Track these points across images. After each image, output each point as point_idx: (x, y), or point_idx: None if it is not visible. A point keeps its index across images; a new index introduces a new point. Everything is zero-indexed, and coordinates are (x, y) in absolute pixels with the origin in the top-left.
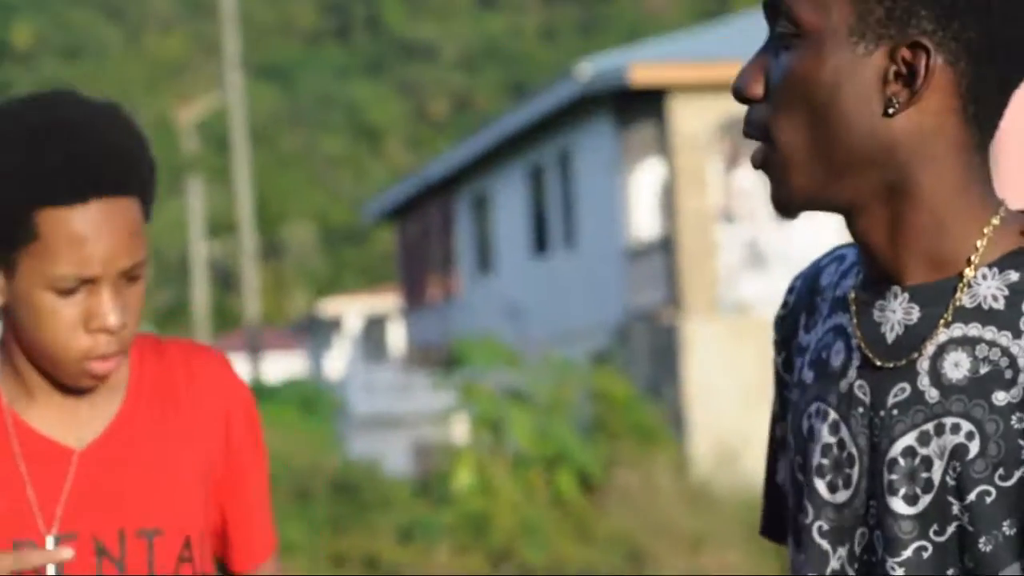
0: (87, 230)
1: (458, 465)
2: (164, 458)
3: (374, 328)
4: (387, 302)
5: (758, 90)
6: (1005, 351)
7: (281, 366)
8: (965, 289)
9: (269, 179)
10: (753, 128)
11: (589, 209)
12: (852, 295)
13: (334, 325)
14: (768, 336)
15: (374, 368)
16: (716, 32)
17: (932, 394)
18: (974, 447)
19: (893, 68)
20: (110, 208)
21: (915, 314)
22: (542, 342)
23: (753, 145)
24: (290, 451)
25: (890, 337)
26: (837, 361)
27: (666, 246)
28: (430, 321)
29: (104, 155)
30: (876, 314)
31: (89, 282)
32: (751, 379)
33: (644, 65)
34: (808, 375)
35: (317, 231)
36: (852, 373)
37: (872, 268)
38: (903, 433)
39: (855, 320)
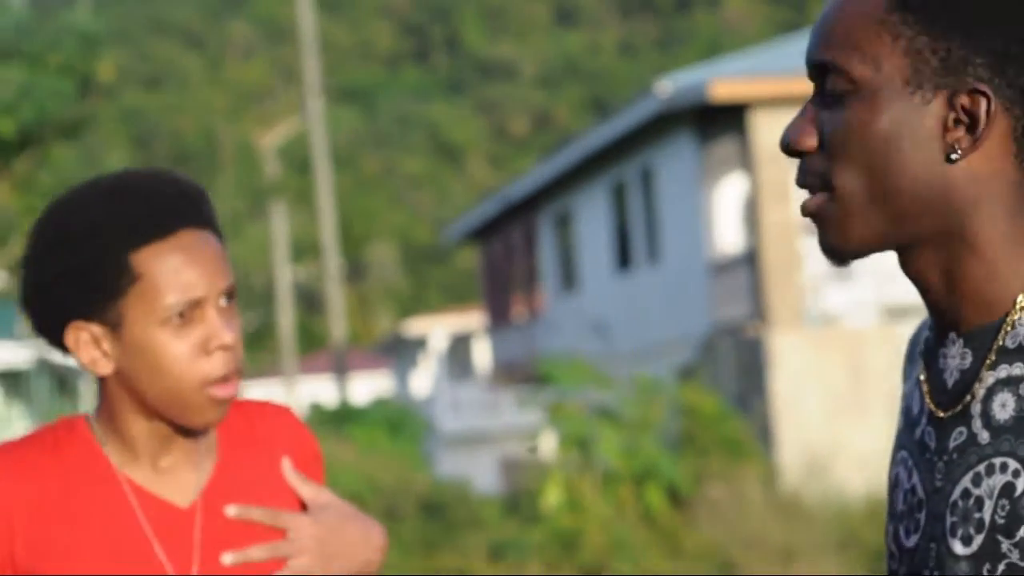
0: (182, 258)
1: (547, 483)
2: (266, 503)
3: (459, 347)
4: (472, 320)
5: (811, 143)
6: None
7: (367, 386)
8: (1008, 331)
9: (351, 201)
10: (810, 178)
11: (672, 224)
12: (922, 346)
13: (419, 344)
14: (854, 346)
15: (460, 386)
16: (795, 45)
17: (984, 436)
18: (1021, 484)
19: (952, 115)
20: (196, 236)
21: (968, 359)
22: (628, 358)
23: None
24: (379, 471)
25: (950, 383)
26: (916, 409)
27: (750, 259)
28: (515, 339)
29: (178, 193)
30: (940, 361)
31: (196, 308)
32: (838, 390)
33: (724, 81)
34: (900, 423)
35: (400, 251)
36: (924, 420)
37: (933, 314)
38: (961, 476)
39: (925, 370)
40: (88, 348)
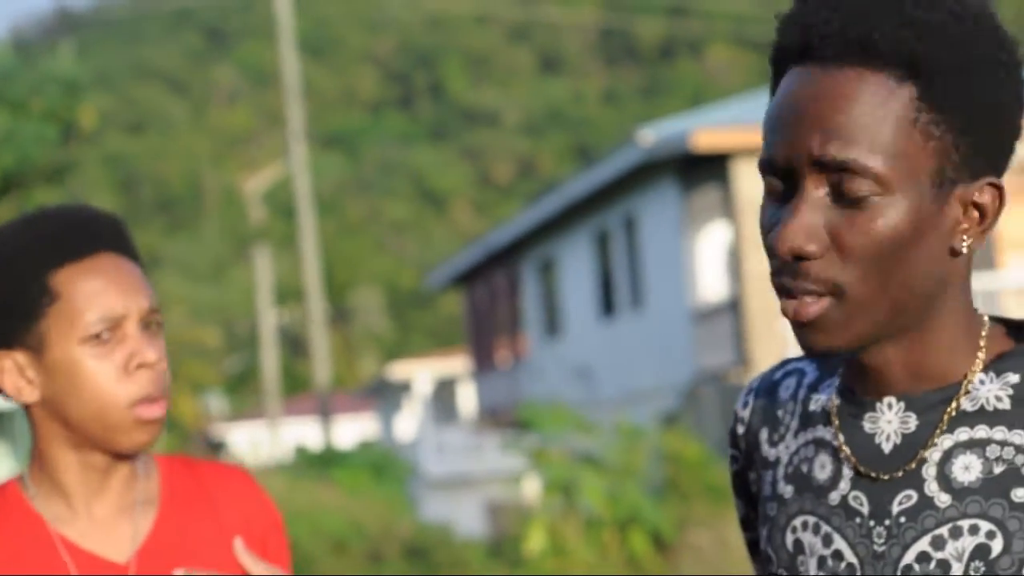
0: (102, 278)
1: (531, 528)
2: (207, 564)
3: (444, 391)
4: (456, 365)
5: (818, 249)
6: (1020, 449)
7: (352, 429)
8: (964, 394)
9: (336, 246)
10: (815, 285)
11: (655, 272)
12: (834, 409)
13: (404, 388)
14: None
15: (445, 430)
16: None
17: (943, 499)
18: (997, 545)
19: (968, 208)
20: (114, 260)
21: (912, 422)
22: (611, 404)
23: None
24: (363, 515)
25: (887, 447)
26: (823, 474)
27: (733, 307)
28: (500, 383)
29: (94, 219)
30: (867, 426)
31: (117, 327)
32: None
33: (706, 130)
34: (786, 489)
35: (384, 296)
36: (844, 485)
37: (862, 382)
38: (915, 539)
39: (840, 434)
40: (12, 376)
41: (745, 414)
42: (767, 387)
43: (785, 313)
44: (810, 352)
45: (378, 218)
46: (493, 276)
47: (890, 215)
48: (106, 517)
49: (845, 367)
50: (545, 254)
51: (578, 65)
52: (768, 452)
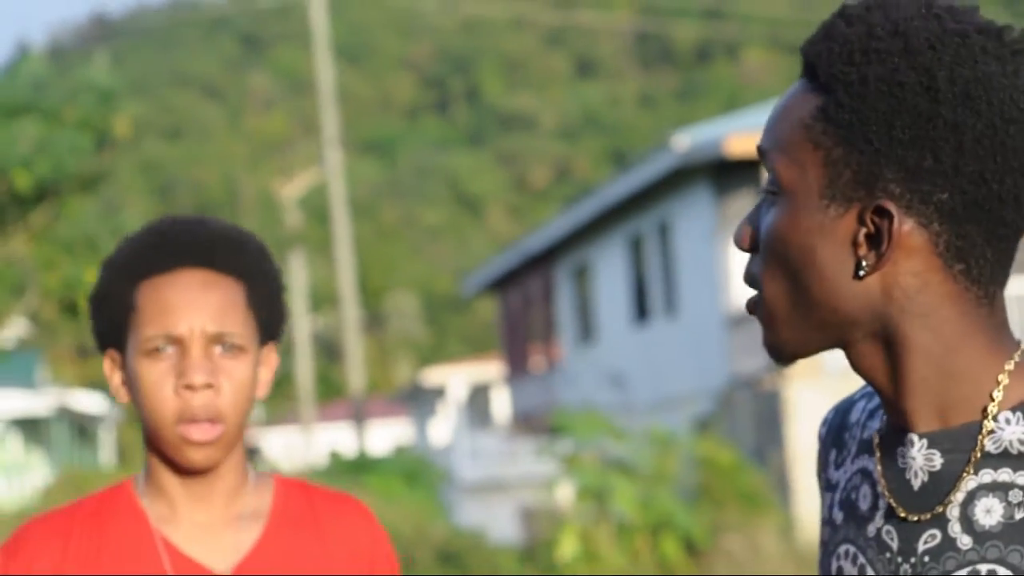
0: (174, 294)
1: (563, 534)
2: None
3: (478, 396)
4: (491, 370)
5: (747, 243)
6: None
7: (386, 434)
8: (987, 434)
9: (371, 251)
10: (747, 278)
11: (689, 277)
12: (876, 439)
13: (438, 393)
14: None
15: (479, 435)
16: None
17: (964, 541)
18: None
19: (863, 231)
20: (200, 278)
21: (937, 461)
22: (645, 409)
23: None
24: (396, 520)
25: (915, 484)
26: (865, 505)
27: None
28: (534, 389)
29: (195, 234)
30: (900, 460)
31: (177, 344)
32: None
33: (740, 136)
34: (838, 515)
35: (420, 301)
36: (879, 518)
37: (888, 411)
38: None
39: (879, 466)
40: (115, 375)
41: (823, 432)
42: (845, 407)
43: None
44: (766, 350)
45: (413, 223)
46: (527, 281)
47: (784, 216)
48: (209, 524)
49: (877, 394)
50: (579, 259)
51: (614, 69)
52: (832, 475)
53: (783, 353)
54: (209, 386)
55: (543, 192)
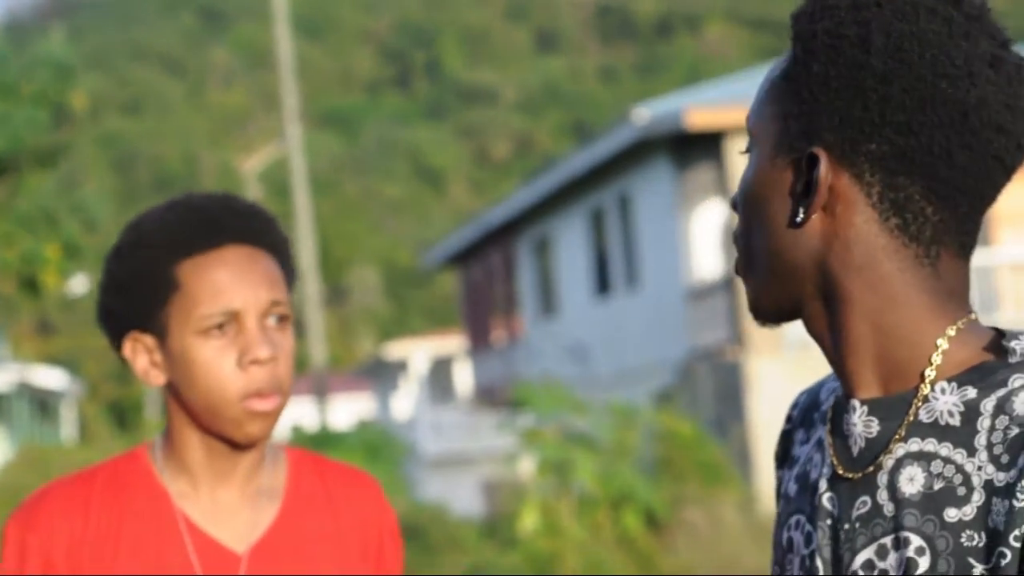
0: (224, 271)
1: (524, 507)
2: (322, 564)
3: (440, 370)
4: (453, 344)
5: (734, 205)
6: (959, 468)
7: (349, 409)
8: (922, 403)
9: (333, 226)
10: (733, 239)
11: (650, 250)
12: (830, 407)
13: (400, 367)
14: (830, 371)
15: (441, 409)
16: None
17: (889, 508)
18: (924, 562)
19: (800, 181)
20: (244, 253)
21: (874, 427)
22: (606, 382)
23: None
24: None
25: (855, 450)
26: (815, 474)
27: (728, 285)
28: (495, 362)
29: (233, 210)
30: (844, 427)
31: (234, 321)
32: None
33: (700, 109)
34: (793, 488)
35: (381, 275)
36: (823, 484)
37: (837, 377)
38: (864, 546)
39: (829, 435)
40: (141, 358)
41: (793, 414)
42: (815, 389)
43: None
44: (750, 310)
45: (375, 197)
46: (489, 255)
47: (750, 171)
48: (229, 502)
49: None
50: (540, 233)
51: (575, 42)
52: (795, 452)
53: (757, 311)
54: (274, 358)
55: (504, 165)
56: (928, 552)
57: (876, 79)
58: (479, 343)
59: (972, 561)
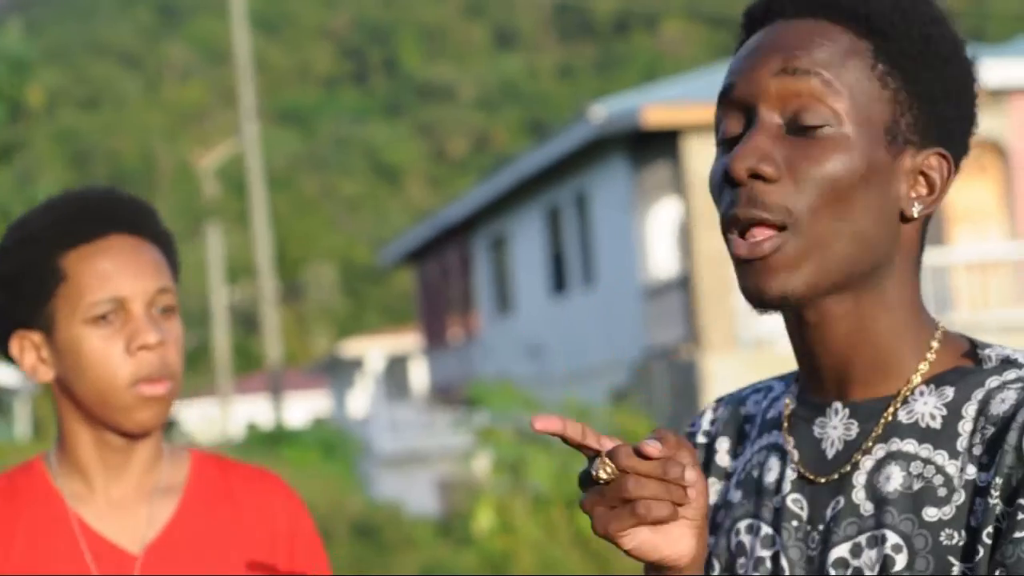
0: (110, 260)
1: (479, 506)
2: (222, 562)
3: (396, 367)
4: (409, 341)
5: (777, 172)
6: (940, 470)
7: (304, 406)
8: (901, 405)
9: (289, 222)
10: (770, 212)
11: (606, 248)
12: (787, 412)
13: (356, 365)
14: (786, 369)
15: (397, 407)
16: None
17: (867, 507)
18: (901, 560)
19: (918, 173)
20: (129, 243)
21: (854, 430)
22: (562, 380)
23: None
24: (311, 494)
25: (830, 452)
26: (770, 477)
27: (683, 284)
28: (451, 360)
29: (117, 201)
30: (816, 431)
31: (122, 309)
32: None
33: (656, 107)
34: (735, 494)
35: (338, 272)
36: (786, 487)
37: (814, 383)
38: (836, 545)
39: (789, 438)
40: (29, 355)
41: (704, 423)
42: (734, 401)
43: (737, 253)
44: (761, 299)
45: (332, 194)
46: (445, 252)
47: (843, 150)
48: (123, 500)
49: (803, 371)
50: (497, 231)
51: (533, 40)
52: (728, 464)
53: (790, 296)
54: (162, 343)
55: (461, 163)
56: (905, 550)
57: (973, 91)
58: (435, 341)
59: (952, 560)
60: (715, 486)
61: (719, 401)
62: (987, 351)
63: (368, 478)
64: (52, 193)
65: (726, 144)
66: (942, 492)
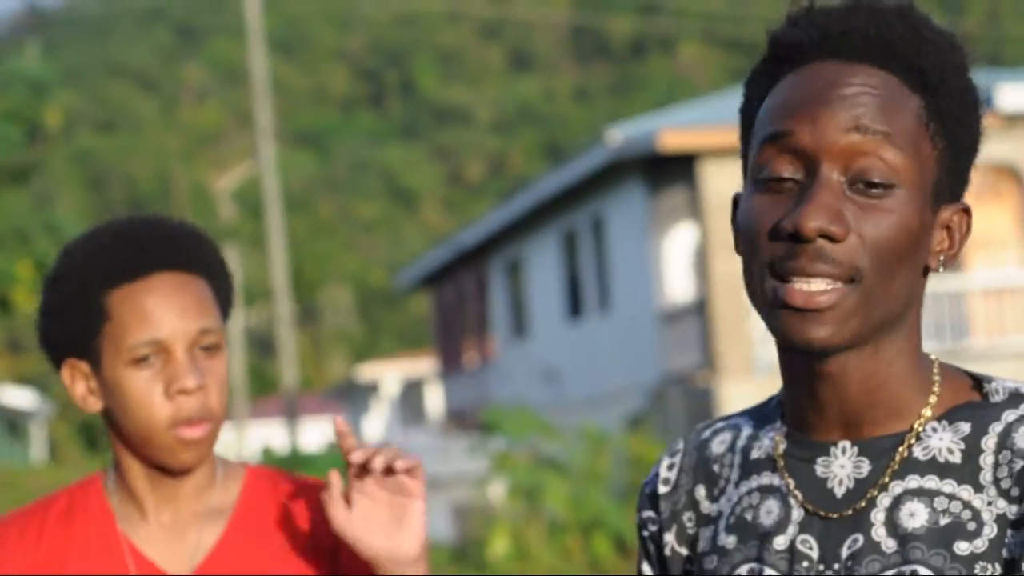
0: (152, 300)
1: (495, 532)
2: None
3: (412, 392)
4: (424, 366)
5: (845, 232)
6: (967, 504)
7: (319, 431)
8: (915, 441)
9: (305, 245)
10: (837, 268)
11: (622, 273)
12: (779, 451)
13: (372, 389)
14: None
15: (412, 432)
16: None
17: (889, 544)
18: None
19: (944, 228)
20: (173, 280)
21: (865, 468)
22: (578, 405)
23: None
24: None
25: (839, 491)
26: (769, 520)
27: (700, 309)
28: (467, 385)
29: (158, 236)
30: (819, 470)
31: (164, 352)
32: None
33: (673, 131)
34: (728, 540)
35: (354, 296)
36: (792, 529)
37: (814, 424)
38: None
39: (789, 479)
40: (79, 385)
41: (670, 475)
42: (696, 445)
43: (790, 300)
44: (806, 345)
45: (348, 217)
46: (461, 277)
47: (903, 211)
48: (174, 524)
49: (788, 411)
50: (513, 255)
51: (549, 63)
52: (709, 508)
53: (841, 346)
54: (201, 388)
55: (478, 186)
56: None
57: (976, 143)
58: (451, 365)
59: None
60: (702, 534)
61: (675, 452)
62: (993, 384)
63: None
64: (69, 217)
65: (768, 183)
66: (971, 526)
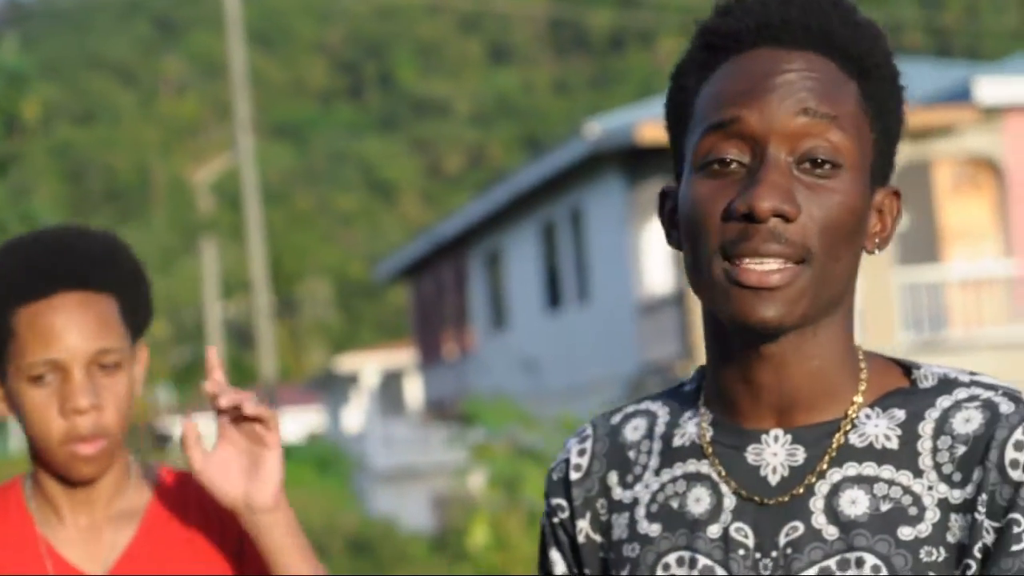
0: (52, 319)
1: (474, 522)
2: None
3: (391, 383)
4: (404, 357)
5: (797, 211)
6: (907, 490)
7: (299, 422)
8: (850, 428)
9: (284, 237)
10: (790, 248)
11: (601, 264)
12: (707, 441)
13: (351, 380)
14: None
15: (392, 423)
16: None
17: (830, 531)
18: None
19: (877, 211)
20: (77, 299)
21: (800, 455)
22: (557, 396)
23: None
24: (306, 509)
25: (772, 479)
26: (699, 508)
27: (678, 300)
28: (446, 376)
29: (69, 254)
30: (750, 458)
31: (60, 370)
32: None
33: (651, 123)
34: (652, 528)
35: (333, 287)
36: (725, 517)
37: (744, 410)
38: (801, 570)
39: (719, 467)
40: None
41: (582, 461)
42: (608, 431)
43: (744, 279)
44: (760, 324)
45: (327, 209)
46: (440, 268)
47: (847, 191)
48: (89, 527)
49: (715, 397)
50: (492, 246)
51: (528, 55)
52: (621, 495)
53: (793, 326)
54: (95, 407)
55: (457, 178)
56: (885, 571)
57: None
58: (430, 356)
59: (932, 575)
60: (616, 522)
61: (585, 437)
62: (921, 371)
63: (363, 494)
64: (47, 209)
65: (713, 167)
66: (913, 511)
